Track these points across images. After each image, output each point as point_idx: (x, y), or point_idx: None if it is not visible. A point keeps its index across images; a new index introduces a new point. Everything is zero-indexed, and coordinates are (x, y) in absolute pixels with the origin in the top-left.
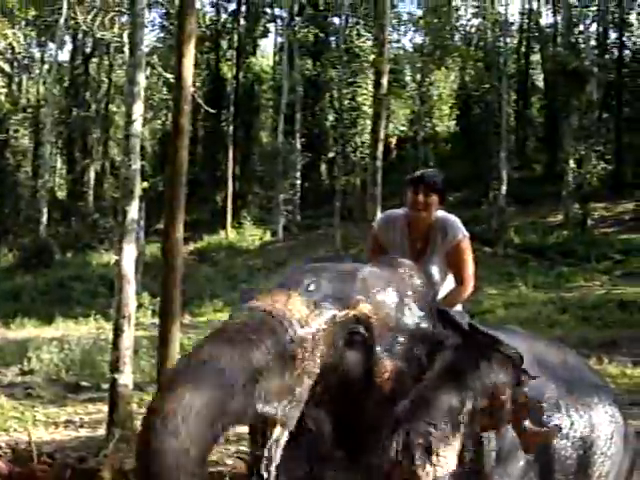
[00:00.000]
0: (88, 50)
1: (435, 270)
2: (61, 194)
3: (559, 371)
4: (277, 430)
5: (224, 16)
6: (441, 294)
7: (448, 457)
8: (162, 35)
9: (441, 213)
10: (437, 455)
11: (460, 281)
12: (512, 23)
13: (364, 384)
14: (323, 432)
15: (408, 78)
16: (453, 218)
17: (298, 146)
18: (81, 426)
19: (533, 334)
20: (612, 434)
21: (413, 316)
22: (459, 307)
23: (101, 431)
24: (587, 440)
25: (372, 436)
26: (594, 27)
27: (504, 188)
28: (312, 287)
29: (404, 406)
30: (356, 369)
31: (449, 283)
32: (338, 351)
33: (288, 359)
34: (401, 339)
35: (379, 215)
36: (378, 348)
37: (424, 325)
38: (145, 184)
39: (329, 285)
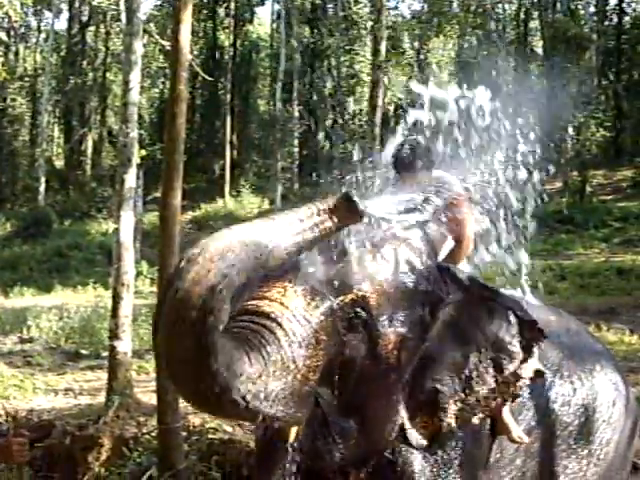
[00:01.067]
0: (85, 18)
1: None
2: (59, 163)
3: (562, 337)
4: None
5: None
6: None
7: (459, 411)
8: (159, 3)
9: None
10: (445, 411)
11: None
12: None
13: (370, 360)
14: (331, 408)
15: (406, 45)
16: (453, 181)
17: (296, 114)
18: (80, 394)
19: (534, 300)
20: (614, 401)
21: (411, 278)
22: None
23: (100, 398)
24: (589, 407)
25: (383, 405)
26: None
27: None
28: (308, 275)
29: (411, 369)
30: (360, 349)
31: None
32: (340, 337)
33: (290, 362)
34: (401, 306)
35: None
36: (379, 323)
37: (423, 285)
38: (143, 152)
39: (324, 269)
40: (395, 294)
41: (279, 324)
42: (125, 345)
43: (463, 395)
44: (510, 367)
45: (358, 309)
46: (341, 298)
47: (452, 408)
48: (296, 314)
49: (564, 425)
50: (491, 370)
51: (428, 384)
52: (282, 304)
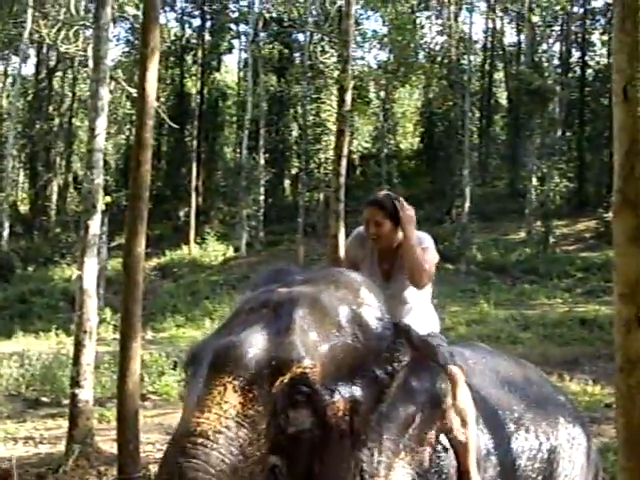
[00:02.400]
0: (52, 64)
1: (401, 287)
2: (23, 208)
3: (526, 389)
4: None
5: (189, 31)
6: (413, 313)
7: (404, 470)
8: (126, 49)
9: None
10: (392, 469)
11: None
12: (476, 41)
13: (320, 430)
14: None
15: (372, 95)
16: (423, 235)
17: (262, 162)
18: (40, 442)
19: (497, 351)
20: (576, 455)
21: (363, 339)
22: (436, 327)
23: (61, 447)
24: (553, 462)
25: (340, 471)
26: (557, 46)
27: (467, 205)
28: (247, 362)
29: (368, 431)
30: (306, 423)
31: (420, 301)
32: (282, 418)
33: (233, 470)
34: (351, 369)
35: (353, 233)
36: (325, 394)
37: (379, 345)
38: (108, 199)
39: (267, 351)
40: (345, 359)
41: (226, 437)
42: (86, 393)
43: (409, 452)
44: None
45: (300, 386)
46: (281, 379)
47: (397, 466)
48: (236, 416)
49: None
50: (431, 426)
51: (384, 445)
52: (220, 411)
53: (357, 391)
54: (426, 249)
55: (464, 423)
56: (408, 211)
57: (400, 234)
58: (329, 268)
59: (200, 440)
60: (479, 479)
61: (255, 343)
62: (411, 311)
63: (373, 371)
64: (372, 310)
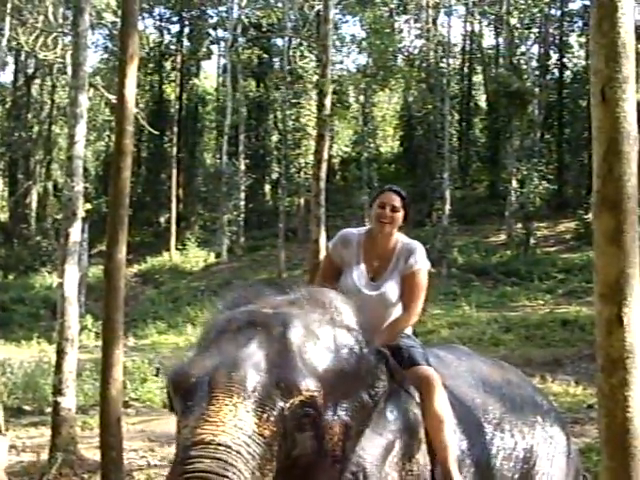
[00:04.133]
0: (30, 71)
1: (391, 289)
2: (3, 216)
3: (503, 390)
4: None
5: (167, 38)
6: (394, 314)
7: None
8: (105, 56)
9: (405, 238)
10: None
11: (407, 309)
12: (455, 45)
13: (317, 454)
14: None
15: (352, 99)
16: (419, 246)
17: (242, 167)
18: (23, 450)
19: (477, 353)
20: (554, 454)
21: (352, 365)
22: (409, 331)
23: (44, 455)
24: (529, 461)
25: None
26: (535, 49)
27: (447, 208)
28: (254, 384)
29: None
30: (308, 445)
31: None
32: (290, 440)
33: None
34: (344, 394)
35: (336, 235)
36: (325, 417)
37: (364, 371)
38: (88, 206)
39: (269, 372)
40: (338, 383)
41: (238, 452)
42: (69, 401)
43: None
44: (418, 455)
45: (307, 409)
46: (291, 402)
47: None
48: (251, 434)
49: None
50: (410, 456)
51: (364, 469)
52: (236, 426)
53: (348, 415)
54: (421, 276)
55: (441, 425)
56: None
57: (397, 235)
58: (308, 287)
59: (222, 448)
60: (458, 475)
61: (258, 363)
62: (394, 311)
63: (360, 395)
64: (358, 334)
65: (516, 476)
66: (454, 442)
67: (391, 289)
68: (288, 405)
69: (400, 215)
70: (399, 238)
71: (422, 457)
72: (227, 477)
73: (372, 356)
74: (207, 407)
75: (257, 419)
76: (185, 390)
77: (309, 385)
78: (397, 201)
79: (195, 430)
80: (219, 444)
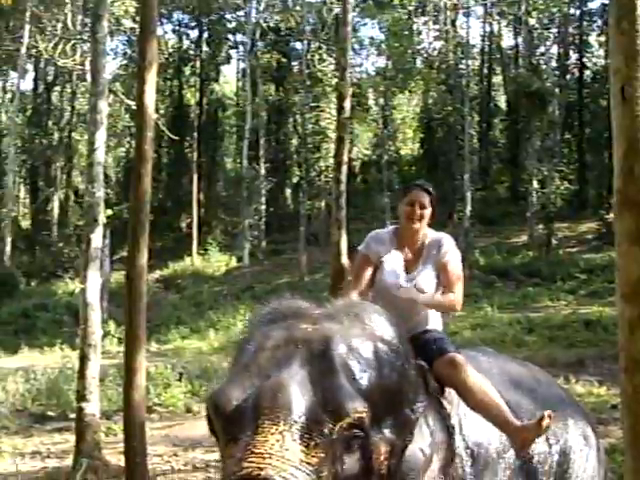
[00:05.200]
0: (50, 78)
1: (426, 277)
2: (25, 223)
3: (535, 390)
4: None
5: (186, 43)
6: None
7: None
8: (124, 62)
9: (433, 232)
10: None
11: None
12: (474, 46)
13: (364, 475)
14: None
15: (371, 102)
16: (447, 236)
17: (262, 171)
18: (47, 456)
19: (504, 354)
20: (587, 455)
21: (394, 381)
22: (439, 326)
23: (68, 461)
24: (564, 463)
25: None
26: (555, 49)
27: (468, 209)
28: (301, 408)
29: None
30: (355, 467)
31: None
32: (339, 463)
33: None
34: (388, 411)
35: (366, 238)
36: (373, 438)
37: (404, 386)
38: (109, 212)
39: (315, 394)
40: (382, 401)
41: None
42: (93, 406)
43: None
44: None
45: (356, 430)
46: (339, 425)
47: None
48: (298, 464)
49: None
50: (445, 468)
51: None
52: (283, 457)
53: (393, 433)
54: (453, 263)
55: (485, 392)
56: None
57: (425, 230)
58: (345, 301)
59: None
60: (518, 422)
61: (302, 385)
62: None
63: (403, 412)
64: (399, 349)
65: (551, 479)
66: (503, 401)
67: (426, 277)
68: (337, 429)
69: (428, 212)
70: (427, 233)
71: (455, 470)
72: None
73: (412, 371)
74: (253, 436)
75: (304, 447)
76: (228, 415)
77: (357, 406)
78: (425, 198)
79: (241, 463)
80: (265, 479)
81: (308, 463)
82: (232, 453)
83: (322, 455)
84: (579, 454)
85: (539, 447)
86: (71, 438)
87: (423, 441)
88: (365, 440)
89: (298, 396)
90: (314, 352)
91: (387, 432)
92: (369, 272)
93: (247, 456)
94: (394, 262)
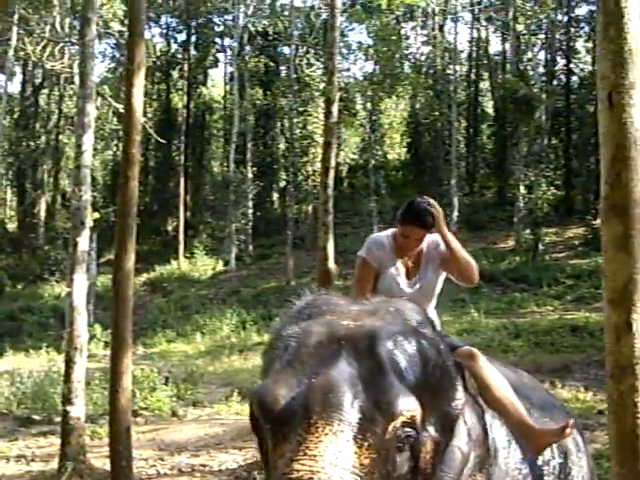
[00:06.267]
0: (38, 81)
1: (431, 279)
2: (11, 226)
3: (529, 395)
4: None
5: (174, 46)
6: (434, 302)
7: None
8: (112, 65)
9: (429, 235)
10: None
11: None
12: (461, 51)
13: (411, 474)
14: None
15: (359, 106)
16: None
17: (249, 175)
18: (32, 460)
19: (494, 360)
20: (582, 458)
21: (438, 380)
22: (437, 323)
23: (53, 465)
24: (564, 466)
25: None
26: (542, 55)
27: (455, 215)
28: (354, 407)
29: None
30: (405, 466)
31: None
32: (391, 463)
33: None
34: (432, 411)
35: (367, 242)
36: (422, 436)
37: (445, 384)
38: (96, 215)
39: (367, 392)
40: (427, 398)
41: None
42: (78, 410)
43: None
44: (487, 465)
45: (408, 429)
46: (393, 424)
47: None
48: (351, 467)
49: None
50: (481, 467)
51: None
52: (336, 460)
53: (437, 431)
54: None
55: (501, 389)
56: (438, 212)
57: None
58: (383, 299)
59: None
60: (534, 424)
61: (353, 385)
62: (434, 301)
63: (445, 409)
64: (440, 346)
65: None
66: (518, 400)
67: (431, 280)
68: (390, 428)
69: (423, 240)
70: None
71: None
72: None
73: (453, 368)
74: (304, 437)
75: (358, 448)
76: (276, 415)
77: (410, 404)
78: (422, 233)
79: (293, 464)
80: None
81: (361, 465)
82: (282, 452)
83: (374, 456)
84: (576, 457)
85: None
86: (56, 442)
87: (461, 439)
88: (415, 439)
89: (350, 396)
90: (360, 349)
91: (432, 430)
92: (371, 277)
93: (299, 457)
94: (395, 269)
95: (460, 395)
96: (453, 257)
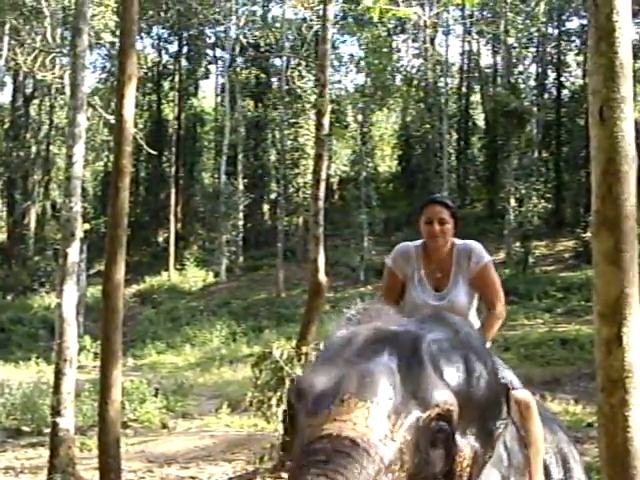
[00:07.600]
0: (29, 91)
1: (462, 297)
2: (1, 237)
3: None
4: None
5: (166, 57)
6: (471, 319)
7: None
8: (103, 76)
9: (460, 240)
10: None
11: (492, 305)
12: (453, 64)
13: (446, 477)
14: None
15: (350, 118)
16: (476, 243)
17: (240, 187)
18: (21, 472)
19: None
20: (580, 469)
21: (482, 393)
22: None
23: (42, 476)
24: (567, 472)
25: None
26: (533, 68)
27: None
28: (389, 390)
29: None
30: (438, 466)
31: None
32: (423, 455)
33: None
34: (473, 421)
35: (394, 250)
36: (458, 437)
37: (490, 399)
38: (86, 226)
39: (404, 383)
40: (468, 407)
41: (366, 450)
42: (67, 422)
43: None
44: None
45: (442, 423)
46: (427, 413)
47: None
48: (382, 437)
49: None
50: None
51: None
52: (367, 426)
53: (477, 442)
54: (491, 268)
55: (537, 453)
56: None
57: (451, 241)
58: (435, 311)
59: (348, 442)
60: None
61: (391, 373)
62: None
63: (488, 424)
64: (487, 362)
65: None
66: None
67: (460, 295)
68: (424, 416)
69: (450, 226)
70: (454, 242)
71: None
72: (350, 471)
73: (499, 388)
74: (337, 410)
75: (390, 424)
76: (312, 397)
77: (447, 398)
78: (443, 212)
79: (321, 426)
80: (346, 437)
81: (392, 440)
82: (311, 422)
83: (407, 438)
84: (575, 465)
85: (547, 457)
86: (45, 453)
87: (500, 460)
88: (450, 438)
89: (386, 381)
90: (403, 348)
91: (471, 439)
92: (398, 285)
93: (329, 421)
94: (420, 281)
95: (503, 415)
96: (486, 282)
